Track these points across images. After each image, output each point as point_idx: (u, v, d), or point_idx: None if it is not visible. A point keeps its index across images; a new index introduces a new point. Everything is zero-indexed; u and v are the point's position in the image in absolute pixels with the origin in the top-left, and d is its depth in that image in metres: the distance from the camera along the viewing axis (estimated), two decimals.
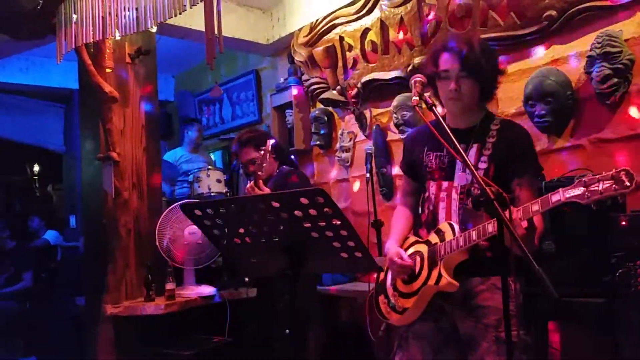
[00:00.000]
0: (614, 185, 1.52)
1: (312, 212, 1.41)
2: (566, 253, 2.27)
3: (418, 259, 2.03)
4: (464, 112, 2.02)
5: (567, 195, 1.61)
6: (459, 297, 1.95)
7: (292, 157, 4.37)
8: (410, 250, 2.08)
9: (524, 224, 1.68)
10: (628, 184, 1.51)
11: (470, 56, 1.94)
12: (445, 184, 2.03)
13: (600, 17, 2.71)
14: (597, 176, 1.56)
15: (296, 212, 1.42)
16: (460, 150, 1.65)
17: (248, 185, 2.92)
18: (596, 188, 1.55)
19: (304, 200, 1.39)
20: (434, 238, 2.00)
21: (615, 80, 2.59)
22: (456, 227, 1.93)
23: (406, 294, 2.04)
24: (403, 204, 2.29)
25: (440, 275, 1.90)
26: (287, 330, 3.06)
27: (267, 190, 2.93)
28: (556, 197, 1.64)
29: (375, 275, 2.27)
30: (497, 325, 1.86)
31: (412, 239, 2.14)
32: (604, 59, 2.60)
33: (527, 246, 1.42)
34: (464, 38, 2.03)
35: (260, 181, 2.90)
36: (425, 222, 2.11)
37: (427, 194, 2.10)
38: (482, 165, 1.96)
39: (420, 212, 2.17)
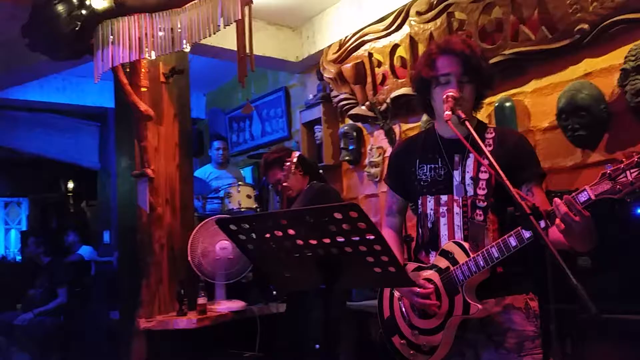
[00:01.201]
0: None
1: (346, 226, 1.41)
2: (603, 268, 2.23)
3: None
4: (458, 122, 1.76)
5: (596, 192, 1.47)
6: (476, 322, 1.79)
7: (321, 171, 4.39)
8: None
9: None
10: None
11: (472, 59, 1.80)
12: (444, 197, 1.86)
13: (633, 29, 2.68)
14: (620, 166, 1.43)
15: (330, 227, 1.43)
16: (494, 164, 1.53)
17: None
18: (625, 179, 1.42)
19: (337, 215, 1.40)
20: (441, 262, 1.81)
21: None
22: (466, 245, 1.77)
23: (429, 330, 1.83)
24: (389, 226, 2.09)
25: (466, 303, 1.73)
26: (317, 345, 3.06)
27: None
28: (584, 196, 1.49)
29: (378, 314, 2.05)
30: (518, 350, 1.74)
31: (413, 265, 1.94)
32: (638, 72, 2.57)
33: (589, 237, 1.35)
34: (463, 40, 1.87)
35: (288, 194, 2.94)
36: (423, 244, 1.93)
37: (422, 211, 1.92)
38: (484, 176, 1.80)
39: (419, 232, 1.96)
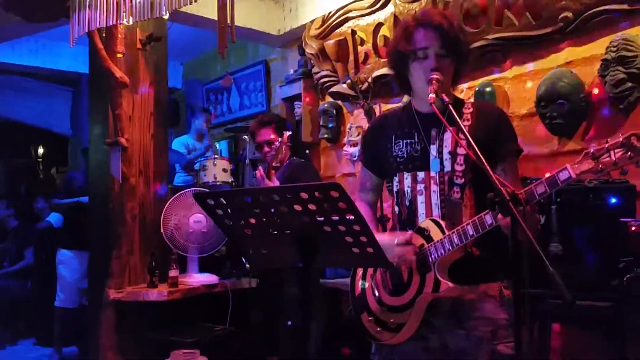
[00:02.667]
0: (628, 153, 1.37)
1: (326, 205, 1.40)
2: (574, 256, 2.27)
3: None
4: (442, 104, 1.69)
5: (578, 171, 1.43)
6: (447, 308, 1.77)
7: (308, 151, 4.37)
8: None
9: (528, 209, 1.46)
10: None
11: (450, 32, 1.73)
12: (421, 174, 1.81)
13: (616, 20, 2.69)
14: (604, 146, 1.41)
15: (310, 206, 1.41)
16: (473, 144, 1.50)
17: (257, 172, 2.93)
18: (608, 159, 1.39)
19: (318, 194, 1.39)
20: (416, 239, 1.77)
21: (630, 84, 2.58)
22: (442, 223, 1.73)
23: (397, 307, 1.80)
24: (365, 202, 2.01)
25: (437, 281, 1.70)
26: (289, 322, 3.07)
27: (276, 182, 2.94)
28: (565, 174, 1.45)
29: (350, 291, 2.02)
30: (491, 338, 1.71)
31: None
32: (619, 63, 2.59)
33: (533, 230, 1.29)
34: (440, 12, 1.79)
35: (272, 172, 2.92)
36: (401, 221, 1.88)
37: (399, 188, 1.86)
38: (462, 151, 1.75)
39: (397, 210, 1.91)
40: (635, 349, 2.10)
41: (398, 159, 1.86)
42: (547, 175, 1.50)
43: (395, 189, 1.90)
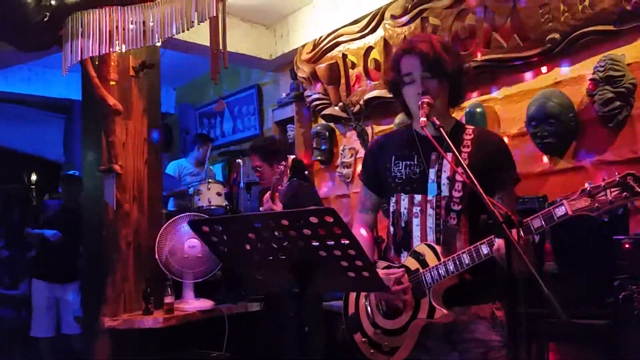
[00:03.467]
0: (624, 193, 1.41)
1: (321, 231, 1.40)
2: (569, 274, 2.28)
3: None
4: (434, 127, 1.71)
5: (574, 209, 1.47)
6: (440, 330, 1.77)
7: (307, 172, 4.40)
8: None
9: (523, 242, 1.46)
10: (639, 189, 1.39)
11: (431, 54, 1.76)
12: (418, 197, 1.82)
13: (603, 41, 2.75)
14: (601, 184, 1.44)
15: (305, 231, 1.42)
16: (468, 172, 1.52)
17: (265, 198, 3.00)
18: (604, 197, 1.43)
19: (313, 219, 1.39)
20: (411, 263, 1.78)
21: (618, 103, 2.63)
22: (438, 248, 1.74)
23: (392, 330, 1.81)
24: (361, 222, 2.03)
25: (432, 307, 1.71)
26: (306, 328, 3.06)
27: (279, 206, 2.98)
28: (561, 210, 1.49)
29: (342, 309, 2.01)
30: (483, 359, 1.72)
31: (382, 264, 1.90)
32: (607, 83, 2.63)
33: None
34: (422, 38, 1.86)
35: (277, 194, 2.96)
36: (396, 242, 1.89)
37: (396, 209, 1.87)
38: (460, 178, 1.76)
39: (392, 231, 1.91)
40: None
41: (397, 180, 1.87)
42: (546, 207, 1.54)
43: (392, 209, 1.90)
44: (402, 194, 1.86)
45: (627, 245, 2.08)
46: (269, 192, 3.02)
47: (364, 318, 1.91)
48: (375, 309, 1.89)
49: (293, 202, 3.14)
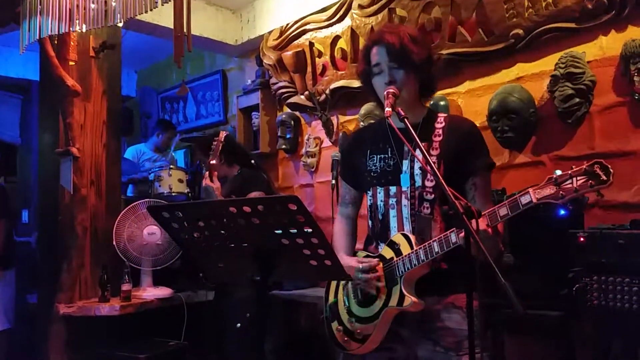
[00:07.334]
0: (589, 181, 1.42)
1: (284, 219, 1.40)
2: (525, 266, 2.33)
3: None
4: (405, 109, 1.73)
5: (539, 196, 1.48)
6: (414, 319, 1.79)
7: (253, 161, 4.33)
8: None
9: (490, 230, 1.55)
10: (605, 177, 1.40)
11: (398, 45, 1.78)
12: (393, 189, 1.84)
13: (564, 38, 2.80)
14: (568, 172, 1.46)
15: (267, 218, 1.41)
16: (430, 162, 1.54)
17: (204, 180, 2.97)
18: (570, 185, 1.44)
19: (276, 207, 1.38)
20: (387, 252, 1.81)
21: (577, 100, 2.69)
22: (412, 237, 1.76)
23: (365, 318, 1.84)
24: (344, 216, 2.08)
25: (402, 295, 1.74)
26: (238, 325, 3.01)
27: (218, 184, 2.96)
28: (526, 198, 1.50)
29: (324, 298, 2.06)
30: (457, 348, 1.73)
31: (362, 254, 1.94)
32: (567, 79, 2.69)
33: (492, 251, 1.31)
34: (391, 29, 1.87)
35: (215, 174, 2.95)
36: (375, 234, 1.93)
37: (373, 202, 1.91)
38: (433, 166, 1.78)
39: (371, 224, 1.95)
40: (584, 357, 2.16)
41: (372, 174, 1.90)
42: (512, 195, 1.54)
43: (369, 202, 1.94)
44: (377, 187, 1.89)
45: (581, 239, 2.13)
46: (206, 174, 3.00)
47: (342, 307, 1.96)
48: (351, 296, 1.92)
49: (241, 188, 3.11)
